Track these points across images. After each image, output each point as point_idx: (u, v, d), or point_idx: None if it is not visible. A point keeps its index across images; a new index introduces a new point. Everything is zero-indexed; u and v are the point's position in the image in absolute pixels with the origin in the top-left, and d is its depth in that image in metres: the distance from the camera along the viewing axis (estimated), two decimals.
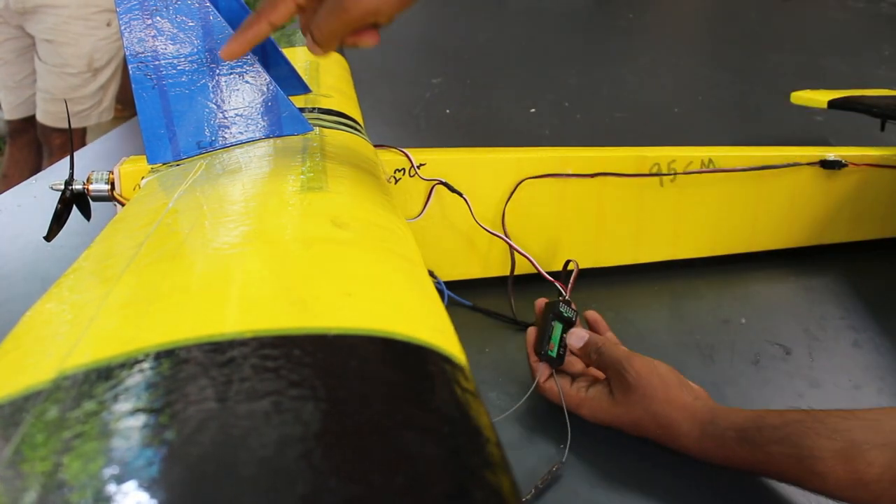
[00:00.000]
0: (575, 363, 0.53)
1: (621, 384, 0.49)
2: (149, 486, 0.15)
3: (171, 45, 0.44)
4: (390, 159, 0.59)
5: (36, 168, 1.69)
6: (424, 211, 0.60)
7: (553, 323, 0.52)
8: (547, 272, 0.64)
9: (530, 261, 0.62)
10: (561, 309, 0.53)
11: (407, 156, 0.59)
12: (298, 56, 0.75)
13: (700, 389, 0.49)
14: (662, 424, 0.47)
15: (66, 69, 1.58)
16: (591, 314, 0.56)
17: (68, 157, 0.55)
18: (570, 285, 0.57)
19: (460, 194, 0.60)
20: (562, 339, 0.52)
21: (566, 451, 0.49)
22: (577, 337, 0.52)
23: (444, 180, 0.59)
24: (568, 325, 0.53)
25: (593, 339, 0.52)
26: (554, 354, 0.52)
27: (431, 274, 0.62)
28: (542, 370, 0.52)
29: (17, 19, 1.57)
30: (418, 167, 0.60)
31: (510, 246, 0.62)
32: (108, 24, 1.60)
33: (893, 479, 0.37)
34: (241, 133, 0.45)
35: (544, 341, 0.52)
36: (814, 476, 0.40)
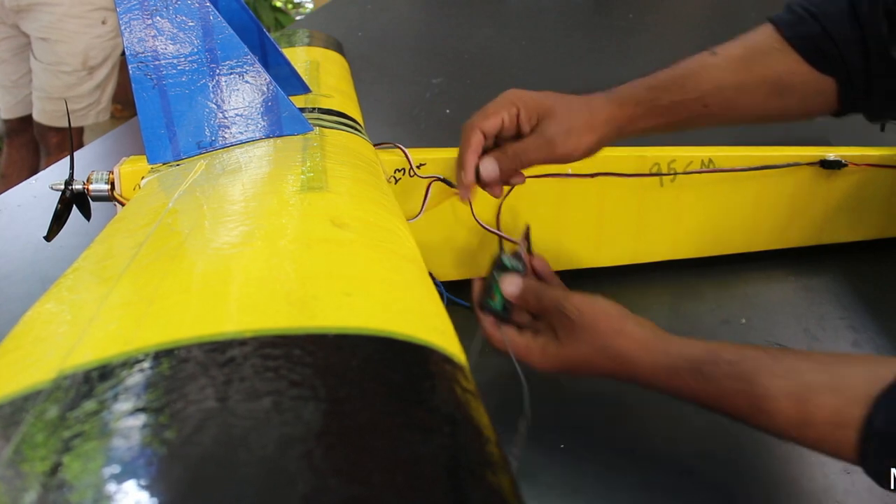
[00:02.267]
0: (523, 314, 0.51)
1: (564, 324, 0.47)
2: (149, 486, 0.15)
3: (171, 45, 0.44)
4: (390, 159, 0.59)
5: (34, 167, 1.69)
6: (423, 210, 0.60)
7: (497, 275, 0.51)
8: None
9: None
10: (504, 261, 0.51)
11: (404, 153, 0.59)
12: (298, 56, 0.75)
13: (646, 321, 0.48)
14: (612, 356, 0.46)
15: (62, 67, 1.58)
16: (537, 261, 0.54)
17: (68, 157, 0.55)
18: (521, 241, 0.54)
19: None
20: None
21: (525, 402, 0.48)
22: (512, 283, 0.50)
23: (441, 176, 0.59)
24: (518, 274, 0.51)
25: (528, 284, 0.50)
26: (499, 307, 0.50)
27: (430, 275, 0.62)
28: (488, 321, 0.51)
29: (12, 18, 1.57)
30: (418, 167, 0.60)
31: (507, 241, 0.62)
32: (104, 22, 1.60)
33: (839, 422, 0.37)
34: (241, 133, 0.45)
35: (488, 294, 0.50)
36: (763, 414, 0.40)
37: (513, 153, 0.52)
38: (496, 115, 0.52)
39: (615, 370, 0.46)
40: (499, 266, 0.51)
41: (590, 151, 0.53)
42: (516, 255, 0.52)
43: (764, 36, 0.54)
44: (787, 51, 0.53)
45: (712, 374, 0.42)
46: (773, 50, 0.53)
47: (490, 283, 0.51)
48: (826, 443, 0.38)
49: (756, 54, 0.53)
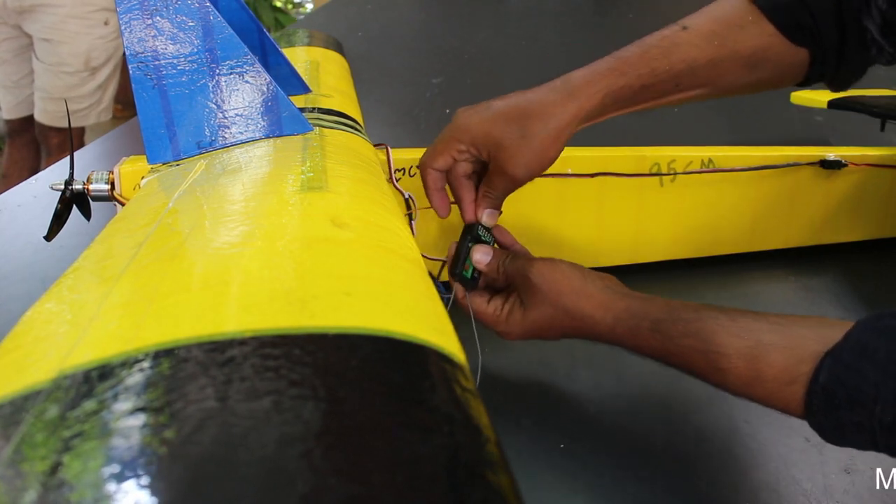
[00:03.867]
0: (493, 282, 0.53)
1: (528, 288, 0.49)
2: (149, 485, 0.15)
3: (171, 45, 0.44)
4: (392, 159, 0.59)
5: (35, 168, 1.70)
6: (412, 221, 0.59)
7: (470, 245, 0.52)
8: None
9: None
10: (479, 232, 0.53)
11: (388, 157, 0.58)
12: (298, 56, 0.75)
13: (610, 277, 0.49)
14: (575, 317, 0.47)
15: (64, 68, 1.58)
16: (498, 228, 0.55)
17: (68, 157, 0.55)
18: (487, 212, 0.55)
19: (411, 219, 0.58)
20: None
21: (478, 374, 0.50)
22: (483, 253, 0.52)
23: (411, 195, 0.58)
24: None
25: (496, 253, 0.52)
26: (468, 276, 0.52)
27: (430, 274, 0.62)
28: (458, 289, 0.52)
29: (14, 18, 1.57)
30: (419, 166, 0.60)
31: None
32: (106, 23, 1.60)
33: (788, 379, 0.38)
34: (241, 133, 0.45)
35: (459, 262, 0.52)
36: (717, 371, 0.41)
37: (492, 195, 0.53)
38: (444, 155, 0.52)
39: (578, 329, 0.48)
40: (472, 236, 0.53)
41: (555, 158, 0.52)
42: (488, 228, 0.54)
43: (737, 6, 0.52)
44: (761, 23, 0.51)
45: (670, 332, 0.43)
46: (748, 23, 0.51)
47: (461, 252, 0.52)
48: (775, 399, 0.39)
49: (730, 28, 0.51)
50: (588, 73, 0.51)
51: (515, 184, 0.52)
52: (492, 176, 0.52)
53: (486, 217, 0.53)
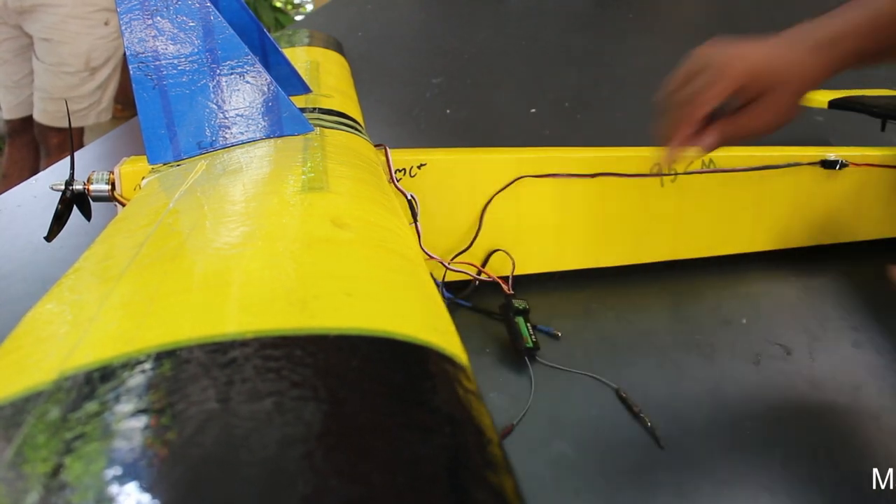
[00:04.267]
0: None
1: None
2: (150, 487, 0.15)
3: (171, 46, 0.44)
4: (392, 159, 0.59)
5: (35, 168, 1.69)
6: (416, 221, 0.59)
7: (516, 319, 0.58)
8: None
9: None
10: (516, 304, 0.59)
11: (387, 156, 0.58)
12: (298, 56, 0.75)
13: None
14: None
15: (64, 68, 1.58)
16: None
17: (69, 157, 0.55)
18: (510, 282, 0.63)
19: (415, 219, 0.59)
20: (528, 329, 0.58)
21: (530, 398, 0.52)
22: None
23: (413, 196, 0.59)
24: (526, 314, 0.59)
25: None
26: (531, 345, 0.57)
27: (431, 275, 0.62)
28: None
29: (15, 18, 1.57)
30: (418, 167, 0.60)
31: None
32: (106, 23, 1.60)
33: None
34: (241, 133, 0.45)
35: (519, 338, 0.57)
36: None
37: (737, 132, 0.50)
38: (719, 94, 0.48)
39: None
40: (513, 311, 0.59)
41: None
42: (513, 297, 0.60)
43: None
44: None
45: None
46: None
47: (516, 328, 0.58)
48: None
49: None
50: (841, 33, 0.50)
51: (755, 134, 0.49)
52: (739, 118, 0.49)
53: (709, 142, 0.50)
